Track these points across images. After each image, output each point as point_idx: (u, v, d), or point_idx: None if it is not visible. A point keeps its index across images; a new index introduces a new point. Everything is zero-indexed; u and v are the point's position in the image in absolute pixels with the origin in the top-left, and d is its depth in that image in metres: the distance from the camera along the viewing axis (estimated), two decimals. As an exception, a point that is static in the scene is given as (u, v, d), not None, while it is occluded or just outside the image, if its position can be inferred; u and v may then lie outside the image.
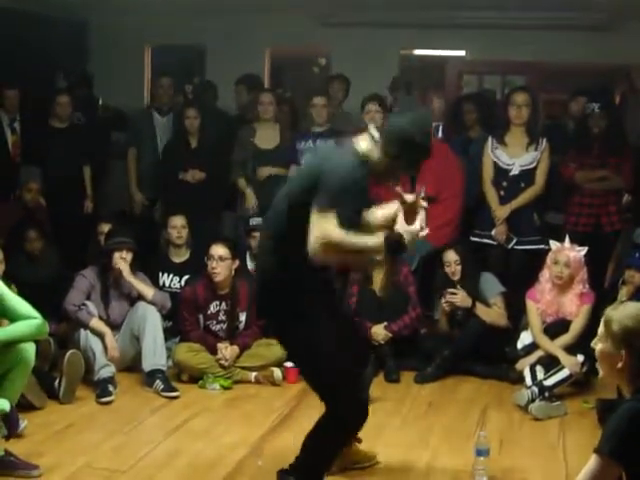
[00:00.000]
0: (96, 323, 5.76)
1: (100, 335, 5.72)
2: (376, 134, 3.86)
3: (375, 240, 3.65)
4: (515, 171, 6.59)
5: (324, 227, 3.54)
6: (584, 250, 5.95)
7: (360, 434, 4.46)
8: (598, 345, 2.99)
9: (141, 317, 5.87)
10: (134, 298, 6.04)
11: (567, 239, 6.02)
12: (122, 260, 5.89)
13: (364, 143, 3.85)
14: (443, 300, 6.29)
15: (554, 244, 6.01)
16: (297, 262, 3.68)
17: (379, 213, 4.01)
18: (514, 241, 6.58)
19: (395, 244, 3.68)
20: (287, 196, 3.87)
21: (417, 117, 3.95)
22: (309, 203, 3.61)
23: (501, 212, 6.57)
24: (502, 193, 6.64)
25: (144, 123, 7.90)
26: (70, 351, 5.42)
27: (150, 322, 5.83)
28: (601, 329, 2.99)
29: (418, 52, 9.62)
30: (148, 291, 6.00)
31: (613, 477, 2.78)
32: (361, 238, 3.65)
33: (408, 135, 3.78)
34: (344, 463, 4.33)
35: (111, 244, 5.97)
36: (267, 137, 7.24)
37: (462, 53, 9.23)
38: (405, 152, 3.81)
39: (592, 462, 2.78)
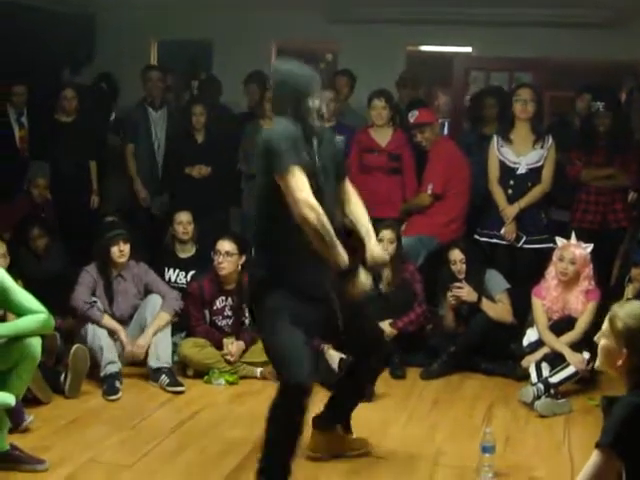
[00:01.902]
0: (108, 321, 5.77)
1: (113, 332, 5.74)
2: None
3: (340, 254, 3.86)
4: (522, 170, 6.55)
5: (302, 193, 3.77)
6: (590, 247, 5.95)
7: (364, 429, 4.52)
8: (601, 340, 3.03)
9: (151, 313, 5.89)
10: (142, 292, 6.06)
11: (573, 236, 6.01)
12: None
13: None
14: (449, 294, 6.29)
15: (560, 241, 6.01)
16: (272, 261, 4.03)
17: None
18: (523, 239, 6.56)
19: (345, 272, 3.91)
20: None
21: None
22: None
23: (510, 211, 6.54)
24: (510, 192, 6.59)
25: (139, 119, 7.89)
26: (75, 346, 5.41)
27: (155, 316, 5.87)
28: (605, 325, 3.01)
29: (425, 48, 9.60)
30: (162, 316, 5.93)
31: (614, 470, 2.81)
32: (335, 241, 3.84)
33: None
34: (336, 449, 4.47)
35: (105, 240, 5.95)
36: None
37: (469, 49, 9.21)
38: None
39: (593, 456, 2.83)
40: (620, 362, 2.93)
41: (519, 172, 6.56)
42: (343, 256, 3.87)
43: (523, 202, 6.55)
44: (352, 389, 4.52)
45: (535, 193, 6.56)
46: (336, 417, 4.52)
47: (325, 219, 3.78)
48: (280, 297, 3.96)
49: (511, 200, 6.58)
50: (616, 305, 3.05)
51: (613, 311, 3.00)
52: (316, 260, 3.89)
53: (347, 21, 8.79)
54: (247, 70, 8.18)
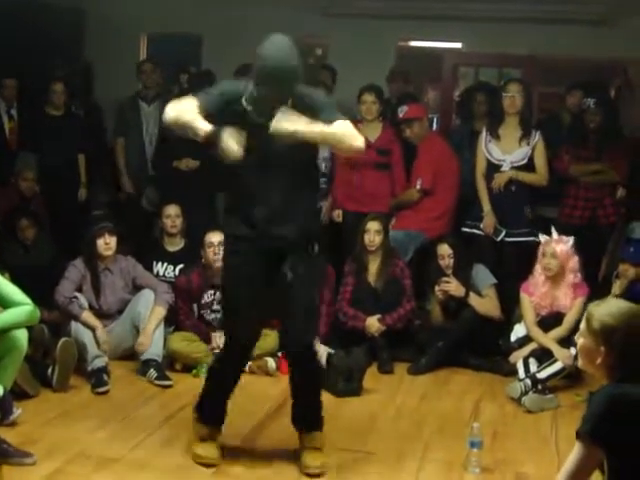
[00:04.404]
0: (87, 317, 5.73)
1: (91, 328, 5.71)
2: None
3: (198, 127, 3.94)
4: (506, 167, 6.59)
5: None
6: (571, 240, 5.97)
7: (351, 424, 4.48)
8: (580, 340, 3.05)
9: (143, 306, 5.88)
10: (130, 286, 6.04)
11: (553, 231, 6.04)
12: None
13: None
14: (437, 288, 6.30)
15: (543, 237, 6.04)
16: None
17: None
18: (503, 233, 6.58)
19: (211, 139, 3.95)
20: None
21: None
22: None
23: (503, 178, 6.56)
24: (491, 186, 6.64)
25: (130, 112, 7.90)
26: (63, 339, 5.40)
27: (151, 312, 5.87)
28: (583, 325, 3.04)
29: (415, 44, 9.61)
30: (156, 311, 5.92)
31: (595, 460, 2.83)
32: (189, 119, 3.97)
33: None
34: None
35: (91, 231, 5.94)
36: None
37: (459, 45, 9.22)
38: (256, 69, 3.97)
39: (575, 448, 2.85)
40: (599, 360, 2.94)
41: (503, 169, 6.59)
42: (201, 127, 3.93)
43: (520, 175, 6.57)
44: (293, 388, 4.41)
45: (531, 176, 6.59)
46: (292, 413, 4.45)
47: (177, 108, 4.04)
48: (229, 252, 4.32)
49: (492, 194, 6.62)
50: (592, 304, 3.07)
51: (589, 310, 3.02)
52: (251, 202, 4.09)
53: (337, 15, 8.79)
54: (236, 65, 8.16)
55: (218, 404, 4.44)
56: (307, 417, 4.39)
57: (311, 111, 3.99)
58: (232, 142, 3.89)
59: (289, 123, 3.86)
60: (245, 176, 4.08)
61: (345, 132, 3.99)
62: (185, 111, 4.01)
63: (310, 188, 4.30)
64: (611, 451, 2.79)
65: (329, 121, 3.96)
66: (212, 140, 3.92)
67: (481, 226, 6.61)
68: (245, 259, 4.15)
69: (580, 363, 3.10)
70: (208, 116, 3.99)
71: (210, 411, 4.45)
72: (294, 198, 4.09)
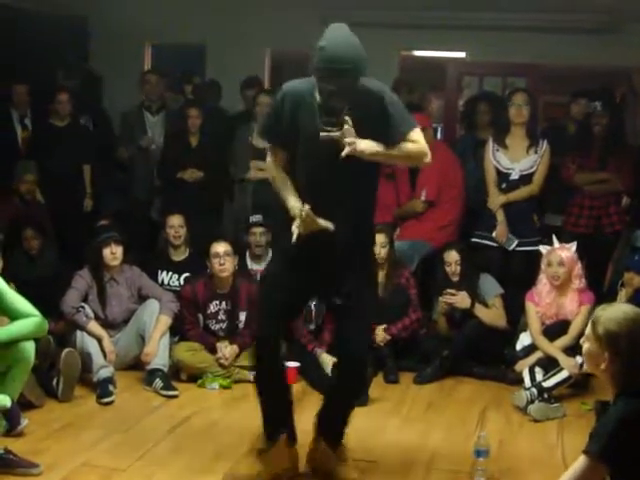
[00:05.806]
0: (93, 327, 5.74)
1: (97, 339, 5.71)
2: None
3: (289, 202, 3.95)
4: (515, 176, 6.58)
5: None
6: (574, 245, 5.98)
7: (358, 434, 4.51)
8: (585, 344, 3.04)
9: (148, 316, 5.88)
10: (135, 296, 6.05)
11: (555, 240, 6.04)
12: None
13: None
14: (441, 299, 6.29)
15: (544, 248, 6.04)
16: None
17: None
18: (515, 243, 6.56)
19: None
20: None
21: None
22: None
23: (497, 200, 6.56)
24: None
25: (136, 123, 7.91)
26: (66, 350, 5.40)
27: (157, 321, 5.86)
28: (588, 329, 3.02)
29: (418, 53, 9.61)
30: (161, 321, 5.91)
31: (598, 476, 2.82)
32: (284, 191, 4.00)
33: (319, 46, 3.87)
34: (320, 465, 4.32)
35: (97, 242, 5.95)
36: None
37: (462, 54, 9.23)
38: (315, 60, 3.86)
39: (579, 462, 2.83)
40: (603, 366, 2.93)
41: (512, 178, 6.58)
42: (291, 206, 3.92)
43: (512, 196, 6.57)
44: (332, 399, 4.37)
45: (523, 192, 6.58)
46: (319, 425, 4.37)
47: (275, 179, 4.06)
48: (274, 264, 4.53)
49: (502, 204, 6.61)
50: (599, 308, 3.05)
51: (596, 314, 3.01)
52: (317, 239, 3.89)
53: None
54: (240, 74, 8.19)
55: (268, 418, 4.32)
56: (338, 428, 4.33)
57: (388, 121, 4.00)
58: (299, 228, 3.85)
59: (368, 145, 3.79)
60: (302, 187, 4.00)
61: (413, 152, 4.01)
62: (279, 185, 4.03)
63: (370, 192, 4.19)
64: (618, 469, 2.77)
65: (404, 135, 3.98)
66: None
67: (493, 235, 6.60)
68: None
69: (586, 366, 3.09)
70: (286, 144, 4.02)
71: (265, 426, 4.33)
72: (352, 205, 4.00)
